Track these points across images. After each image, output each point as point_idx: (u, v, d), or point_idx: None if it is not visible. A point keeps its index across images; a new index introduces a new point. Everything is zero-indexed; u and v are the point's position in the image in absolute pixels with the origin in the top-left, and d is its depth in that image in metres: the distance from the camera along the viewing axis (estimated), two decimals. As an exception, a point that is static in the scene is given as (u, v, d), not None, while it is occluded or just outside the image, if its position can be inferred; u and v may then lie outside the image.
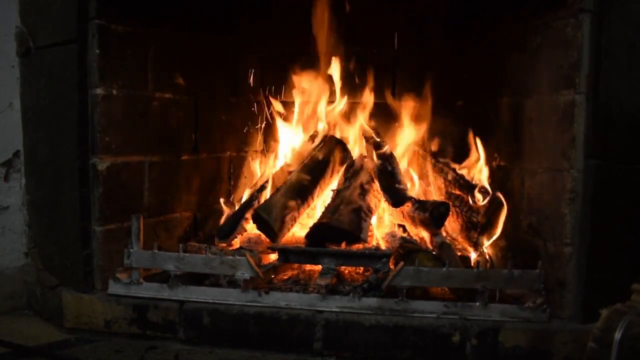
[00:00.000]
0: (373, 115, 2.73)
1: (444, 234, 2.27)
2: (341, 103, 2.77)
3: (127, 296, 1.91)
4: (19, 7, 2.17)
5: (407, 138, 2.69)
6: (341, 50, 2.71)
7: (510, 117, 2.08)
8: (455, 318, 1.78)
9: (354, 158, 2.59)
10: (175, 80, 2.21)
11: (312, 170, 2.40)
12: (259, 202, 2.38)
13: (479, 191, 2.19)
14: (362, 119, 2.73)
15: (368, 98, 2.78)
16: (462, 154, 2.39)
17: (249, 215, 2.33)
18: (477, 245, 2.16)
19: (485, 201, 2.16)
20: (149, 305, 1.88)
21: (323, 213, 2.27)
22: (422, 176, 2.59)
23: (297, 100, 2.79)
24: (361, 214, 2.21)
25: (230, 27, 2.49)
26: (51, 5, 2.00)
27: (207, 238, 2.39)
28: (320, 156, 2.47)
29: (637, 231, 1.70)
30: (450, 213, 2.22)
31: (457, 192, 2.32)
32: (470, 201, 2.22)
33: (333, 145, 2.54)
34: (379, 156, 2.48)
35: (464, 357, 1.75)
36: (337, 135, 2.65)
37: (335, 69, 2.72)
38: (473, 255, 2.18)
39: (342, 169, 2.53)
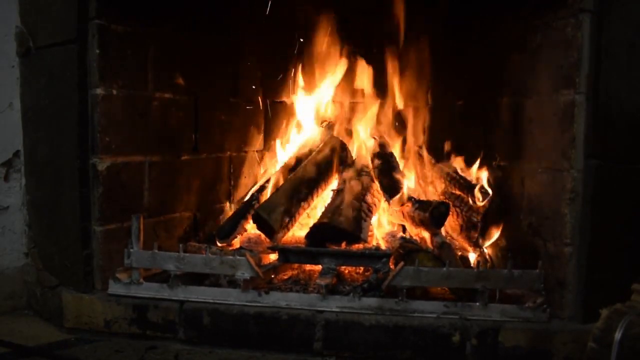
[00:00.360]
0: (373, 115, 2.74)
1: (444, 234, 2.27)
2: (341, 103, 2.78)
3: (127, 296, 1.91)
4: (19, 7, 2.17)
5: (407, 138, 2.69)
6: (341, 50, 2.71)
7: (510, 117, 2.08)
8: (455, 318, 1.78)
9: (354, 158, 2.59)
10: (175, 80, 2.21)
11: (313, 170, 2.40)
12: (259, 202, 2.38)
13: (479, 191, 2.20)
14: (362, 119, 2.73)
15: (368, 98, 2.79)
16: (462, 154, 2.39)
17: (249, 215, 2.34)
18: (477, 245, 2.16)
19: (485, 201, 2.16)
20: (149, 305, 1.88)
21: (323, 213, 2.27)
22: (422, 176, 2.60)
23: (297, 100, 2.79)
24: (361, 214, 2.21)
25: (230, 27, 2.49)
26: (51, 5, 2.00)
27: (207, 238, 2.39)
28: (321, 156, 2.47)
29: (637, 231, 1.70)
30: (450, 213, 2.22)
31: (457, 192, 2.32)
32: (470, 201, 2.22)
33: (333, 145, 2.54)
34: (379, 156, 2.48)
35: (464, 357, 1.75)
36: (338, 135, 2.66)
37: (335, 69, 2.72)
38: (473, 255, 2.18)
39: (342, 168, 2.53)
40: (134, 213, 1.95)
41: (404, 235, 2.30)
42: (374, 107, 2.76)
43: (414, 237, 2.29)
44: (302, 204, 2.32)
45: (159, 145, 2.15)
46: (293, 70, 2.82)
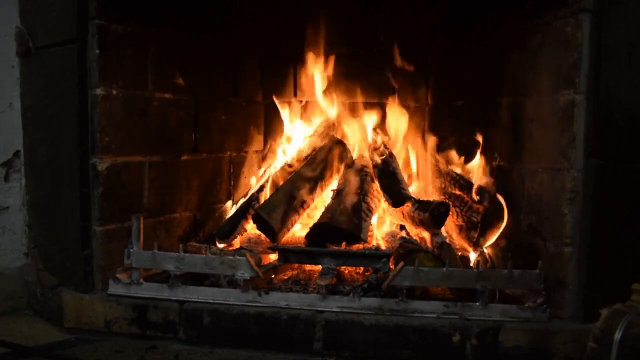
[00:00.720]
0: (373, 115, 2.74)
1: (444, 234, 2.27)
2: (341, 103, 2.78)
3: (127, 296, 1.91)
4: (19, 7, 2.17)
5: (407, 138, 2.69)
6: (341, 50, 2.71)
7: (510, 117, 2.08)
8: (455, 318, 1.78)
9: (354, 158, 2.59)
10: (175, 80, 2.21)
11: (313, 170, 2.40)
12: (259, 202, 2.38)
13: (479, 191, 2.19)
14: (362, 119, 2.73)
15: (368, 98, 2.79)
16: (462, 153, 2.39)
17: (249, 215, 2.34)
18: (477, 245, 2.16)
19: (485, 201, 2.15)
20: (149, 305, 1.88)
21: (323, 213, 2.27)
22: (422, 176, 2.60)
23: (297, 100, 2.79)
24: (361, 214, 2.21)
25: (230, 27, 2.49)
26: (51, 5, 2.00)
27: (207, 238, 2.39)
28: (321, 156, 2.47)
29: (637, 231, 1.70)
30: (450, 213, 2.22)
31: (457, 192, 2.32)
32: (470, 201, 2.22)
33: (333, 145, 2.54)
34: (379, 156, 2.49)
35: (464, 357, 1.75)
36: (338, 135, 2.66)
37: (335, 69, 2.72)
38: (473, 255, 2.18)
39: (342, 168, 2.53)
40: (134, 213, 1.95)
41: (404, 235, 2.29)
42: (373, 107, 2.76)
43: (414, 237, 2.29)
44: (302, 203, 2.32)
45: (159, 145, 2.15)
46: (293, 70, 2.82)
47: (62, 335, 1.93)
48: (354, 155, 2.62)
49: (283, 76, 2.82)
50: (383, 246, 2.23)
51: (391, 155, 2.51)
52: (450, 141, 2.49)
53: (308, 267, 2.17)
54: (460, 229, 2.25)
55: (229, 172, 2.58)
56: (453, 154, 2.43)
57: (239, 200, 2.57)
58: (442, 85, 2.67)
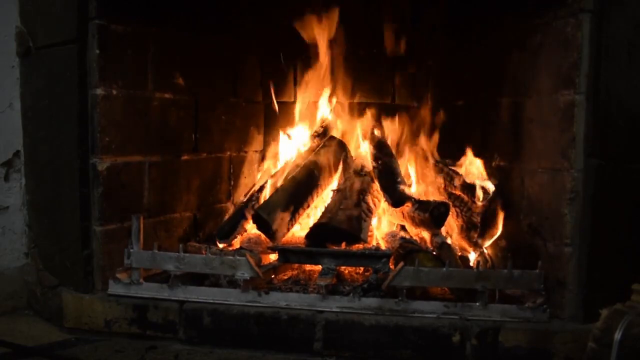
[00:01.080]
0: (373, 115, 2.74)
1: (444, 234, 2.27)
2: (341, 103, 2.78)
3: (127, 296, 1.91)
4: (19, 7, 2.17)
5: (407, 138, 2.69)
6: (341, 50, 2.71)
7: (510, 117, 2.08)
8: (455, 318, 1.78)
9: (354, 158, 2.59)
10: (175, 80, 2.21)
11: (313, 170, 2.40)
12: (258, 202, 2.38)
13: (479, 191, 2.19)
14: (362, 119, 2.73)
15: (368, 98, 2.79)
16: (462, 154, 2.39)
17: (249, 215, 2.34)
18: (477, 246, 2.16)
19: (485, 201, 2.15)
20: (149, 305, 1.88)
21: (323, 213, 2.27)
22: (422, 176, 2.60)
23: (298, 100, 2.79)
24: (361, 214, 2.21)
25: (231, 27, 2.49)
26: (51, 5, 2.00)
27: (207, 238, 2.39)
28: (321, 156, 2.47)
29: (637, 231, 1.70)
30: (450, 213, 2.22)
31: (457, 192, 2.32)
32: (470, 201, 2.22)
33: (333, 145, 2.54)
34: (379, 156, 2.48)
35: (464, 357, 1.75)
36: (338, 135, 2.66)
37: (335, 69, 2.72)
38: (473, 255, 2.18)
39: (342, 168, 2.53)
40: (134, 213, 1.95)
41: (404, 235, 2.29)
42: (373, 107, 2.76)
43: (414, 237, 2.29)
44: (302, 204, 2.32)
45: (159, 145, 2.15)
46: (293, 70, 2.82)
47: (62, 335, 1.93)
48: (354, 155, 2.62)
49: (283, 76, 2.82)
50: (383, 246, 2.23)
51: (391, 155, 2.51)
52: (450, 141, 2.49)
53: (308, 267, 2.17)
54: (460, 229, 2.25)
55: (229, 172, 2.58)
56: (453, 154, 2.43)
57: (239, 200, 2.57)
58: (442, 85, 2.67)
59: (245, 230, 2.37)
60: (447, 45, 2.56)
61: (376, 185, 2.38)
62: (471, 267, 2.07)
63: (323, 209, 2.32)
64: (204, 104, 2.37)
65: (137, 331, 1.88)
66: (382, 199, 2.36)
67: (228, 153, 2.56)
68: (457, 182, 2.34)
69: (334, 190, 2.41)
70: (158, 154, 2.15)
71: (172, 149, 2.23)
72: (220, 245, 2.28)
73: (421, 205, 2.23)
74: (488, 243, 2.15)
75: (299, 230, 2.44)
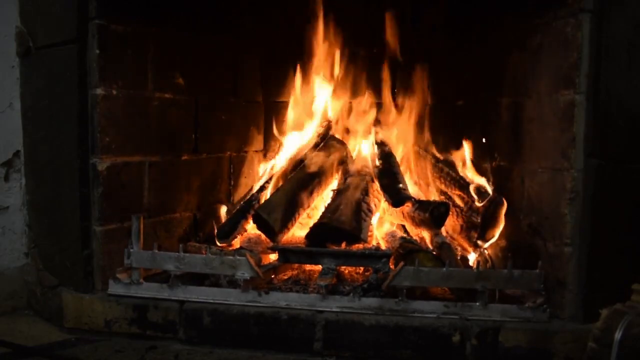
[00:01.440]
0: (373, 115, 2.74)
1: (444, 234, 2.27)
2: (341, 103, 2.78)
3: (127, 296, 1.91)
4: (19, 7, 2.17)
5: (407, 138, 2.69)
6: (341, 50, 2.71)
7: (510, 117, 2.08)
8: (455, 318, 1.78)
9: (354, 158, 2.59)
10: (175, 80, 2.21)
11: (313, 170, 2.40)
12: (259, 202, 2.38)
13: (478, 191, 2.19)
14: (362, 119, 2.73)
15: (368, 98, 2.79)
16: (462, 153, 2.39)
17: (249, 215, 2.34)
18: (477, 246, 2.16)
19: (485, 201, 2.15)
20: (149, 305, 1.88)
21: (323, 213, 2.27)
22: (422, 176, 2.60)
23: (298, 99, 2.79)
24: (361, 214, 2.21)
25: (231, 27, 2.49)
26: (51, 5, 2.00)
27: (207, 238, 2.39)
28: (320, 156, 2.47)
29: (637, 231, 1.70)
30: (450, 213, 2.22)
31: (457, 192, 2.32)
32: (470, 201, 2.22)
33: (333, 145, 2.54)
34: (379, 156, 2.48)
35: (464, 357, 1.75)
36: (338, 135, 2.66)
37: (335, 69, 2.72)
38: (473, 255, 2.18)
39: (342, 168, 2.53)
40: (134, 213, 1.95)
41: (404, 235, 2.29)
42: (373, 107, 2.76)
43: (414, 237, 2.29)
44: (303, 204, 2.32)
45: (159, 145, 2.15)
46: (293, 70, 2.82)
47: (62, 335, 1.93)
48: (354, 155, 2.62)
49: (283, 76, 2.82)
50: (383, 246, 2.23)
51: (391, 155, 2.51)
52: (450, 141, 2.49)
53: (308, 267, 2.17)
54: (461, 229, 2.25)
55: (229, 172, 2.58)
56: (453, 154, 2.43)
57: (239, 200, 2.57)
58: (442, 85, 2.67)
59: (246, 230, 2.37)
60: (447, 45, 2.56)
61: (376, 185, 2.38)
62: (471, 267, 2.07)
63: (323, 209, 2.32)
64: (204, 104, 2.37)
65: (137, 331, 1.88)
66: (382, 199, 2.36)
67: (228, 153, 2.56)
68: (456, 182, 2.34)
69: (334, 190, 2.41)
70: (158, 154, 2.15)
71: (172, 149, 2.23)
72: (220, 245, 2.28)
73: (421, 205, 2.23)
74: (488, 243, 2.15)
75: (299, 230, 2.44)
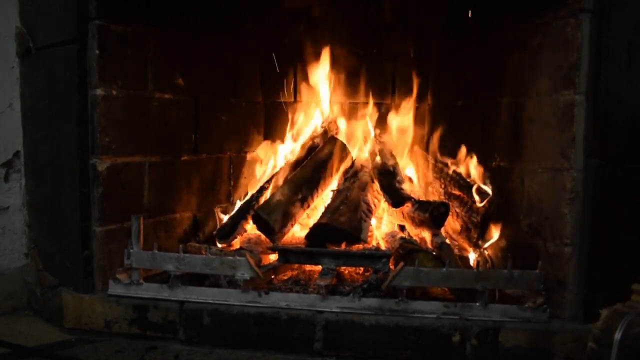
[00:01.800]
0: (373, 115, 2.74)
1: (444, 234, 2.27)
2: (341, 103, 2.78)
3: (127, 296, 1.91)
4: (19, 7, 2.17)
5: (407, 138, 2.69)
6: (341, 50, 2.71)
7: (510, 117, 2.08)
8: (455, 318, 1.78)
9: (354, 158, 2.59)
10: (175, 80, 2.21)
11: (312, 170, 2.41)
12: (259, 202, 2.38)
13: (478, 191, 2.19)
14: (362, 119, 2.74)
15: (368, 98, 2.79)
16: (462, 154, 2.39)
17: (249, 215, 2.34)
18: (477, 246, 2.16)
19: (485, 201, 2.15)
20: (149, 305, 1.88)
21: (323, 213, 2.27)
22: (422, 176, 2.60)
23: (298, 100, 2.79)
24: (361, 214, 2.21)
25: (231, 27, 2.49)
26: (51, 5, 2.00)
27: (207, 238, 2.39)
28: (321, 156, 2.47)
29: (637, 231, 1.70)
30: (450, 213, 2.22)
31: (457, 192, 2.32)
32: (470, 201, 2.22)
33: (333, 145, 2.54)
34: (379, 156, 2.48)
35: (464, 357, 1.75)
36: (338, 136, 2.66)
37: (335, 69, 2.72)
38: (473, 256, 2.18)
39: (342, 169, 2.53)
40: (134, 213, 1.95)
41: (404, 235, 2.29)
42: (373, 107, 2.76)
43: (414, 238, 2.29)
44: (302, 204, 2.32)
45: (159, 146, 2.15)
46: (293, 70, 2.82)
47: (62, 336, 1.93)
48: (354, 155, 2.62)
49: (283, 76, 2.82)
50: (383, 246, 2.23)
51: (391, 155, 2.51)
52: (450, 141, 2.49)
53: (308, 267, 2.17)
54: (461, 229, 2.25)
55: (228, 173, 2.58)
56: (453, 154, 2.43)
57: (239, 200, 2.57)
58: (442, 85, 2.67)
59: (246, 231, 2.37)
60: (447, 45, 2.56)
61: (376, 185, 2.38)
62: (471, 267, 2.07)
63: (323, 209, 2.32)
64: (204, 104, 2.37)
65: (137, 331, 1.88)
66: (382, 199, 2.37)
67: (228, 153, 2.56)
68: (456, 183, 2.34)
69: (334, 191, 2.41)
70: (158, 154, 2.15)
71: (172, 149, 2.23)
72: (220, 246, 2.28)
73: (421, 205, 2.23)
74: (488, 243, 2.15)
75: (299, 230, 2.44)
